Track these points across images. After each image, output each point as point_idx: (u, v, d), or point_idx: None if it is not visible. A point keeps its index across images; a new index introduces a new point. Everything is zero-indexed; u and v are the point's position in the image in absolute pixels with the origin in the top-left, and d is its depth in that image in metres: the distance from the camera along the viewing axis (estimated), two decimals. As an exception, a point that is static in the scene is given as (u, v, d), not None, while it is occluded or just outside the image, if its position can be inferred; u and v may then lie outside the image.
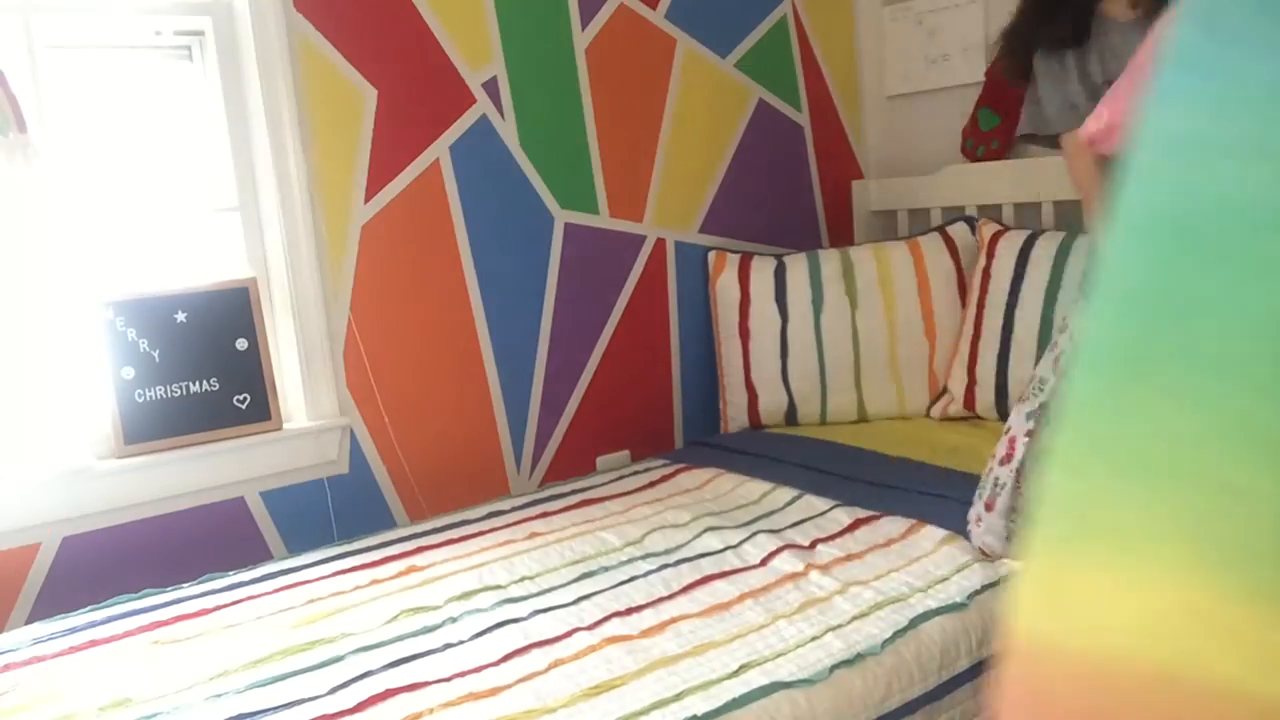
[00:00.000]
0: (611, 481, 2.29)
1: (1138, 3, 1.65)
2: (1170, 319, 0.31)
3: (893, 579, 1.62)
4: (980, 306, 2.48)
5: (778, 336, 2.58)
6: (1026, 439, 1.63)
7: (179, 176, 2.16)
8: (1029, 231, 2.46)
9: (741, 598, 1.60)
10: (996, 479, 1.67)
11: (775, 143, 2.94)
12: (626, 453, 2.68)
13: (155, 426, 2.04)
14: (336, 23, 2.21)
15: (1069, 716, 0.31)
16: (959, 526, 1.77)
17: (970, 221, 2.66)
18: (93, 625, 1.71)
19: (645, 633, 1.51)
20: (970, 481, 2.01)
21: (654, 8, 2.67)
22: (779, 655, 1.40)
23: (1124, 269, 0.33)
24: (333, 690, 1.41)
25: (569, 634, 1.53)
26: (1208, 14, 0.33)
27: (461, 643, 1.53)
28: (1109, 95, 1.53)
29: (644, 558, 1.80)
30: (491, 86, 2.43)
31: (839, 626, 1.47)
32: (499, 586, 1.73)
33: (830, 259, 2.62)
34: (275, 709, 1.37)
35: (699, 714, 1.26)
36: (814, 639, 1.44)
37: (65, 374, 1.99)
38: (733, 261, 2.69)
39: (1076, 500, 0.32)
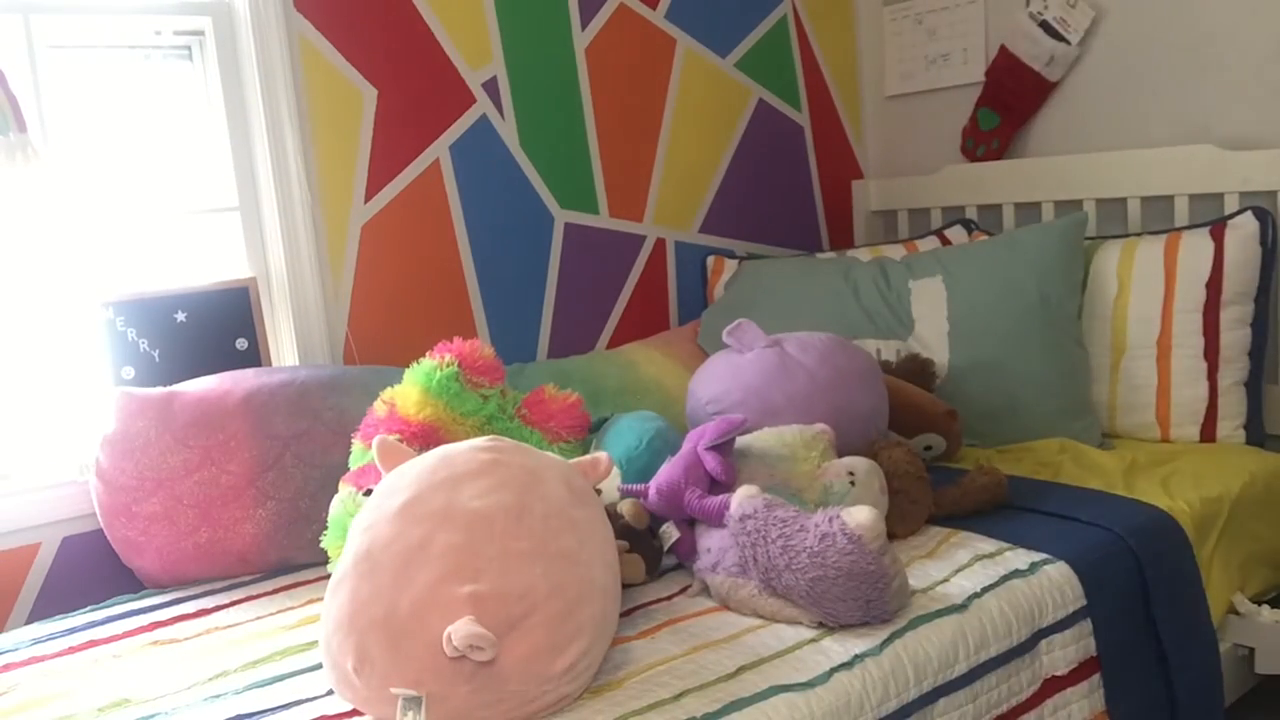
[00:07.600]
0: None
1: None
2: None
3: (891, 581, 1.61)
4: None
5: (777, 337, 2.58)
6: None
7: (179, 177, 2.16)
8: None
9: (740, 599, 1.60)
10: None
11: (775, 143, 2.94)
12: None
13: (155, 426, 2.03)
14: (336, 23, 2.21)
15: None
16: (959, 525, 1.77)
17: (968, 225, 2.66)
18: (93, 625, 1.72)
19: (643, 634, 1.51)
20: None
21: (654, 8, 2.68)
22: (777, 657, 1.40)
23: None
24: (331, 691, 1.41)
25: (568, 635, 1.53)
26: None
27: (460, 644, 1.53)
28: None
29: (643, 559, 1.79)
30: (491, 86, 2.43)
31: (837, 629, 1.47)
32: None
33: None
34: (274, 710, 1.37)
35: (697, 716, 1.26)
36: (812, 641, 1.44)
37: (65, 374, 2.00)
38: (730, 266, 2.70)
39: None
